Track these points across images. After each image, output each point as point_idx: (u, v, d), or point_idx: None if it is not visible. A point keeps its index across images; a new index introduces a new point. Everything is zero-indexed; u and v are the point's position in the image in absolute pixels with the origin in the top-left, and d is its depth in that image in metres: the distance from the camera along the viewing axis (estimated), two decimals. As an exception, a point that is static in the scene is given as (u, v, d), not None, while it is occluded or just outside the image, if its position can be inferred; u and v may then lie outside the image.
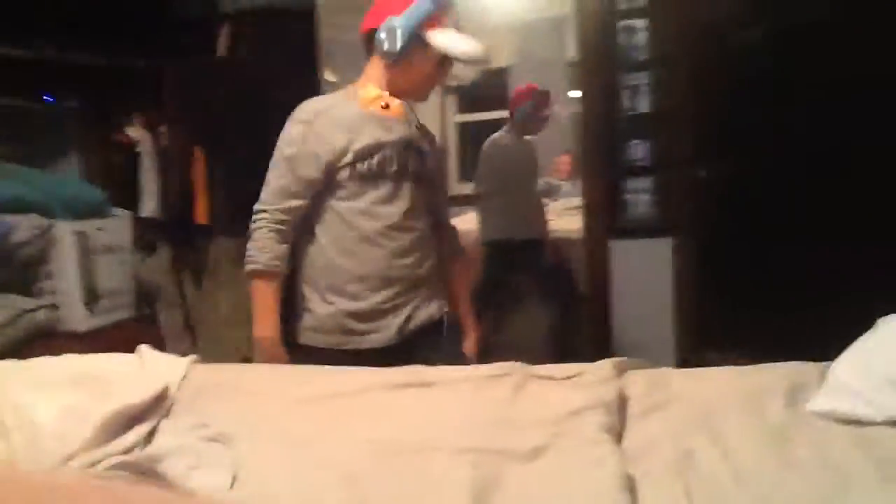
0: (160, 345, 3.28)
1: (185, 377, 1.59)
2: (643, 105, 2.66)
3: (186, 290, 3.33)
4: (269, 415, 1.42)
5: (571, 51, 3.02)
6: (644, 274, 2.68)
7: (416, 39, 1.82)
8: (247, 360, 3.07)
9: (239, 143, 3.28)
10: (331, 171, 1.82)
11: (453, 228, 2.11)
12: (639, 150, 2.68)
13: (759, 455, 1.16)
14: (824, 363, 1.40)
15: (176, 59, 3.43)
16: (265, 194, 1.86)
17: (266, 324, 1.86)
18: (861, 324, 1.43)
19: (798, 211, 2.66)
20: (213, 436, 1.34)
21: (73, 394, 1.44)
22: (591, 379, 1.45)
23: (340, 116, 1.83)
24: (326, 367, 1.72)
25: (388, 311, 1.87)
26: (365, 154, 1.82)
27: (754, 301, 2.65)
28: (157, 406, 1.44)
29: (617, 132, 2.68)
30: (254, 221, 1.86)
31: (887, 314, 1.39)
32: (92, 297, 2.90)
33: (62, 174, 3.69)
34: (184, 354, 1.69)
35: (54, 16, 3.31)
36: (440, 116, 5.09)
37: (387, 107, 1.87)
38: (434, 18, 1.82)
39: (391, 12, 1.83)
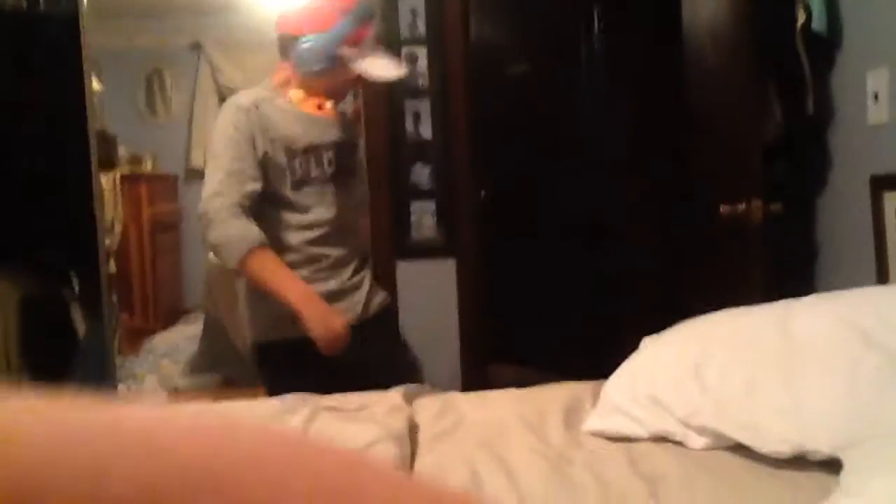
0: None
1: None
2: (426, 130, 2.73)
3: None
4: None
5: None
6: (430, 294, 2.75)
7: (334, 60, 1.81)
8: None
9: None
10: (266, 164, 1.77)
11: None
12: (422, 173, 2.74)
13: (541, 477, 1.22)
14: (598, 382, 1.51)
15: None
16: (216, 182, 1.71)
17: (297, 285, 1.72)
18: (634, 339, 1.56)
19: (575, 229, 2.85)
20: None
21: None
22: (382, 409, 1.46)
23: (279, 110, 1.81)
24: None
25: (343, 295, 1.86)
26: (302, 155, 1.80)
27: (535, 317, 2.80)
28: None
29: (401, 157, 2.73)
30: (208, 211, 1.69)
31: (656, 331, 1.53)
32: None
33: None
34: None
35: None
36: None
37: (321, 107, 1.86)
38: (353, 36, 1.81)
39: (312, 27, 1.80)
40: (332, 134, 1.89)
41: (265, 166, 1.78)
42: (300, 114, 1.85)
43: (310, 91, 1.87)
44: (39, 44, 3.13)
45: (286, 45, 1.85)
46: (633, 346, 1.51)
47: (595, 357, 1.73)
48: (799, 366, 1.16)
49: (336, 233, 1.86)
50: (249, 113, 1.77)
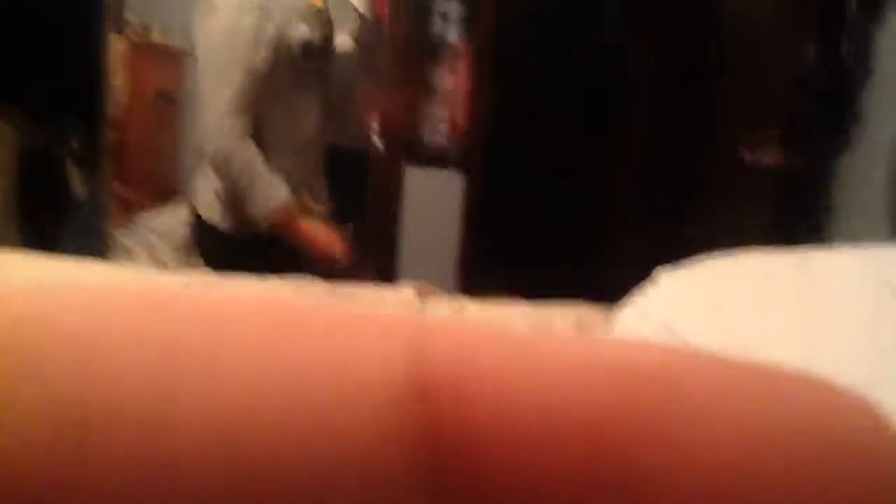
0: None
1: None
2: (453, 35, 2.66)
3: None
4: None
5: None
6: (434, 205, 2.72)
7: None
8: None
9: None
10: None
11: None
12: (444, 77, 2.68)
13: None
14: (607, 307, 1.51)
15: None
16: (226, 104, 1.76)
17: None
18: (641, 270, 1.55)
19: (588, 157, 2.81)
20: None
21: None
22: (394, 304, 1.45)
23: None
24: None
25: None
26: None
27: (538, 242, 2.80)
28: None
29: (423, 56, 2.67)
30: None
31: (666, 262, 1.52)
32: None
33: None
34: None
35: None
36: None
37: None
38: None
39: None
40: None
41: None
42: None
43: None
44: None
45: None
46: (636, 277, 1.50)
47: (599, 291, 1.72)
48: (821, 310, 1.17)
49: None
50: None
